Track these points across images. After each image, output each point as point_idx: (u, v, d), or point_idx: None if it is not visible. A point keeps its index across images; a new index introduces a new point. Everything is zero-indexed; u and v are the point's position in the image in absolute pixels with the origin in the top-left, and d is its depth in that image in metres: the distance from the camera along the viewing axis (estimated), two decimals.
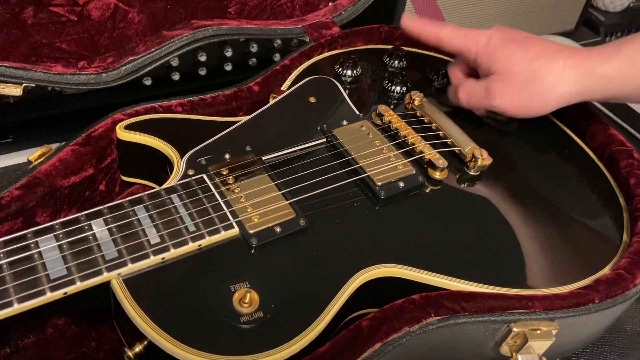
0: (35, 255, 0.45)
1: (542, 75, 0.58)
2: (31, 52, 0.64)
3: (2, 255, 0.44)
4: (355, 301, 0.50)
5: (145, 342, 0.45)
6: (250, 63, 0.82)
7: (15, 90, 0.60)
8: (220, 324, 0.45)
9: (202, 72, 0.79)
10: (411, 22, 0.68)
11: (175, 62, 0.72)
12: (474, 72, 0.67)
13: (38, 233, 0.46)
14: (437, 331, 0.47)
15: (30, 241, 0.46)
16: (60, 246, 0.46)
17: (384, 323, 0.47)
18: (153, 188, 0.64)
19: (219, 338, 0.44)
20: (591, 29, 1.26)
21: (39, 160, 0.56)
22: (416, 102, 0.67)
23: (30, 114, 0.76)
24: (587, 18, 1.24)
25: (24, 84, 0.60)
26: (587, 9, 1.19)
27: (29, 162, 0.57)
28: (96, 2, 0.65)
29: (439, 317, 0.47)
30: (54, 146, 0.59)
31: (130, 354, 0.46)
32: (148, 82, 0.73)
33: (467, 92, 0.64)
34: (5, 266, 0.44)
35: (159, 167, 0.60)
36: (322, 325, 0.46)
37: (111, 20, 0.67)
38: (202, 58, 0.76)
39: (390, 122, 0.64)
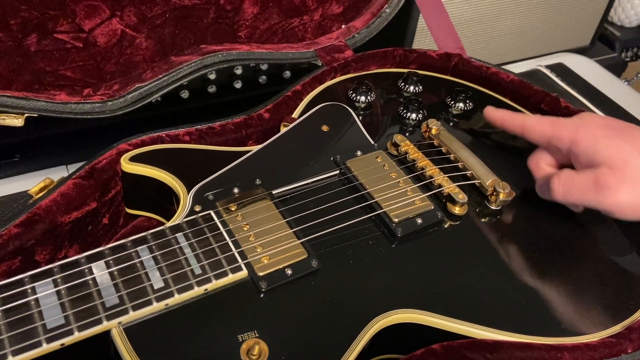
0: (32, 303, 0.42)
1: None
2: (34, 80, 0.61)
3: None
4: (372, 349, 0.47)
5: None
6: (260, 80, 0.81)
7: (17, 121, 0.57)
8: None
9: (212, 89, 0.78)
10: (494, 112, 0.63)
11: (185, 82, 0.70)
12: (561, 165, 0.58)
13: (35, 277, 0.43)
14: None
15: (28, 287, 0.43)
16: (58, 292, 0.43)
17: None
18: (158, 220, 0.62)
19: None
20: (607, 45, 1.24)
21: (39, 195, 0.54)
22: (433, 131, 0.64)
23: (38, 133, 0.74)
24: (603, 34, 1.22)
25: (25, 114, 0.58)
26: (602, 24, 1.17)
27: (29, 195, 0.55)
28: (102, 28, 0.63)
29: None
30: (60, 174, 0.57)
31: None
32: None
33: (567, 185, 0.54)
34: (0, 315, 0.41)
35: (165, 199, 0.58)
36: None
37: (118, 46, 0.65)
38: (212, 76, 0.75)
39: (406, 152, 0.61)
